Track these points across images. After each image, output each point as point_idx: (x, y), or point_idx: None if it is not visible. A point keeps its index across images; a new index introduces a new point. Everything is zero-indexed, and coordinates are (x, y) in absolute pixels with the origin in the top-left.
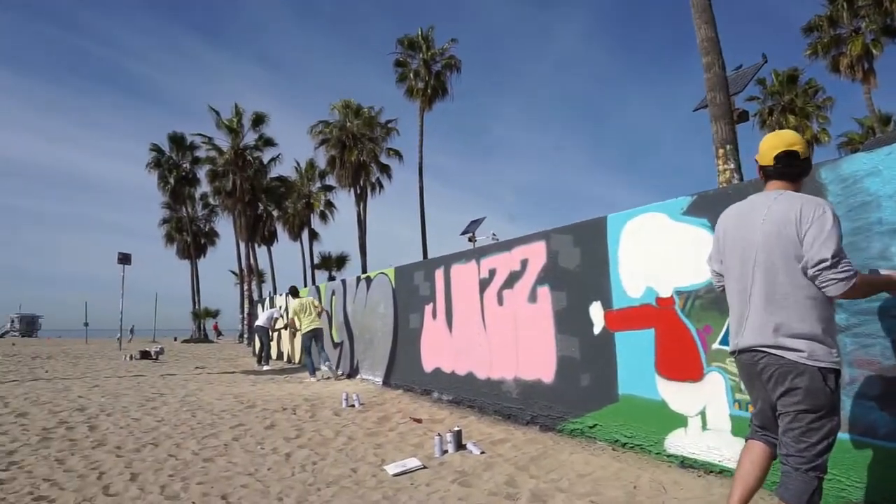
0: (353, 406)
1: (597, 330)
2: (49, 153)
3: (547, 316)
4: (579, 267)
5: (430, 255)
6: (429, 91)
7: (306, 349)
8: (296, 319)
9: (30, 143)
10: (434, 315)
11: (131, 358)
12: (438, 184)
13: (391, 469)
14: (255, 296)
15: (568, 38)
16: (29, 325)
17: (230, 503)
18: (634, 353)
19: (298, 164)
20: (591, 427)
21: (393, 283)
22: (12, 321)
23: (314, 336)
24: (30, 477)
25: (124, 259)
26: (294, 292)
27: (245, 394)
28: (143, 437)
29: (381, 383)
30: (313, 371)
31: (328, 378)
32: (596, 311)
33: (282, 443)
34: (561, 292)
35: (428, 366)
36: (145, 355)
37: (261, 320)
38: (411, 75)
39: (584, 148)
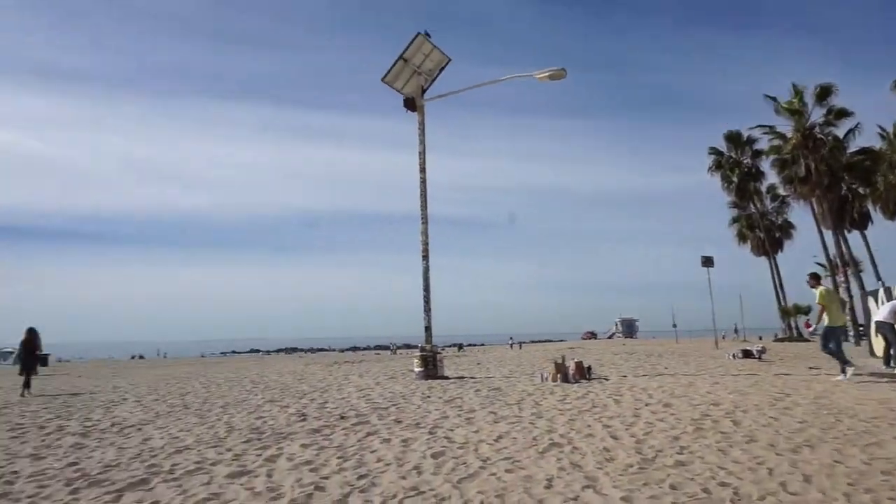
0: None
1: None
2: (620, 180)
3: None
4: None
5: None
6: None
7: (838, 343)
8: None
9: (619, 175)
10: None
11: (734, 357)
12: None
13: None
14: (855, 288)
15: None
16: (629, 328)
17: None
18: None
19: (883, 129)
20: None
21: None
22: (616, 324)
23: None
24: (703, 462)
25: (707, 262)
26: (817, 278)
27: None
28: (792, 437)
29: None
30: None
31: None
32: None
33: None
34: None
35: None
36: (747, 354)
37: (883, 314)
38: None
39: None
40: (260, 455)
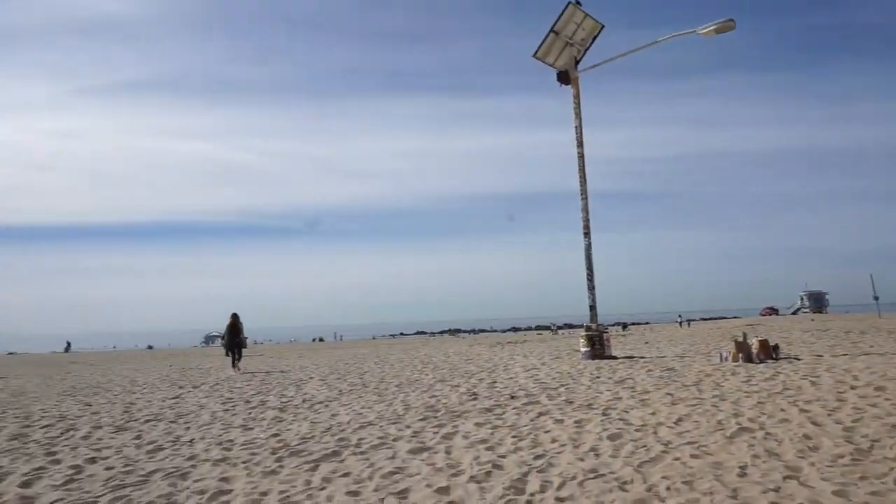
0: None
1: None
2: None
3: None
4: None
5: None
6: None
7: None
8: None
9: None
10: None
11: None
12: None
13: None
14: None
15: None
16: (817, 301)
17: None
18: None
19: None
20: None
21: None
22: (802, 298)
23: None
24: None
25: None
26: None
27: None
28: None
29: None
30: None
31: None
32: None
33: None
34: None
35: None
36: None
37: None
38: None
39: None
40: (437, 432)
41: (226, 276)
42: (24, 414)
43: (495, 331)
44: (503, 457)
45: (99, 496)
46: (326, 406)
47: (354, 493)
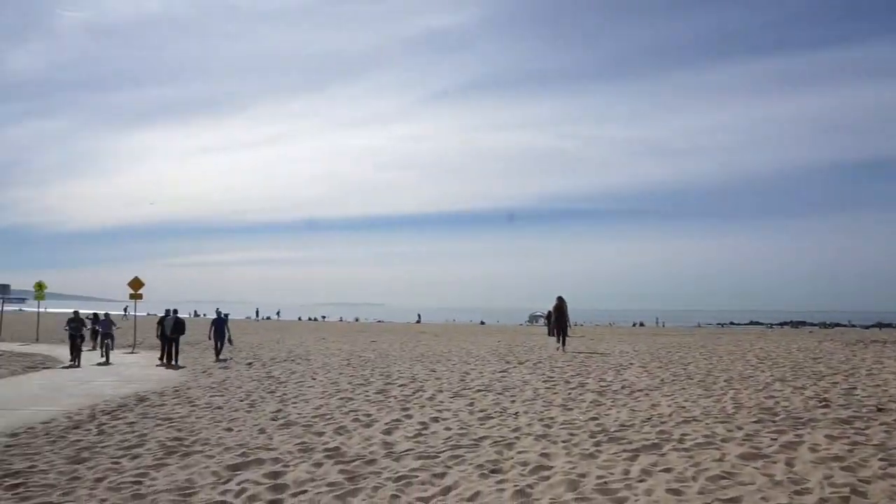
0: None
1: None
2: None
3: None
4: None
5: None
6: None
7: None
8: None
9: None
10: None
11: None
12: None
13: None
14: None
15: None
16: None
17: None
18: None
19: None
20: None
21: None
22: None
23: None
24: None
25: None
26: None
27: None
28: None
29: None
30: None
31: None
32: None
33: None
34: None
35: None
36: None
37: None
38: None
39: None
40: (775, 439)
41: (544, 257)
42: (386, 373)
43: (854, 326)
44: (867, 482)
45: (440, 451)
46: (647, 395)
47: (676, 493)
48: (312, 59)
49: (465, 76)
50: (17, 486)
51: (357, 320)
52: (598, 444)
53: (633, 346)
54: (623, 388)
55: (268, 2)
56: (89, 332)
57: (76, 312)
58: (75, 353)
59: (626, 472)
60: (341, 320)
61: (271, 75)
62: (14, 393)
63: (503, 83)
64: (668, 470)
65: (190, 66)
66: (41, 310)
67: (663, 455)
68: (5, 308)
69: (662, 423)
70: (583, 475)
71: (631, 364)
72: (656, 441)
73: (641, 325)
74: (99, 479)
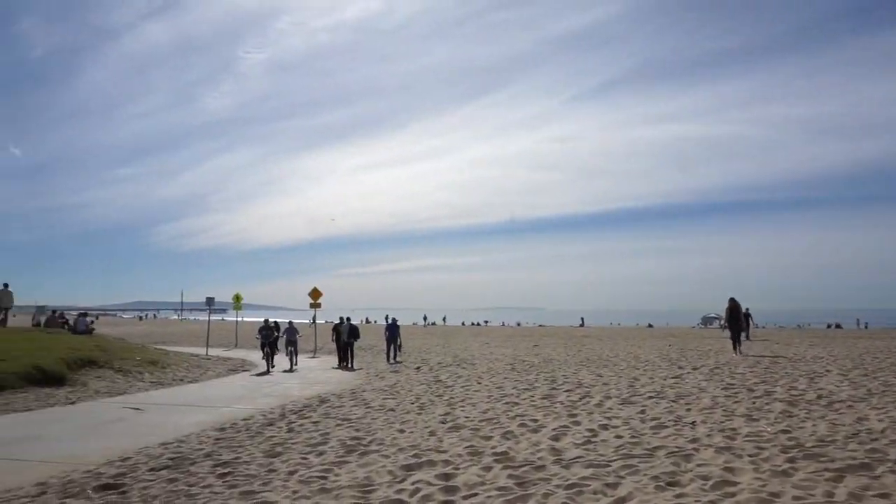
0: None
1: None
2: None
3: None
4: None
5: None
6: None
7: None
8: None
9: None
10: None
11: None
12: None
13: None
14: None
15: None
16: None
17: None
18: None
19: None
20: None
21: None
22: None
23: None
24: None
25: None
26: None
27: None
28: None
29: None
30: None
31: None
32: None
33: None
34: None
35: None
36: None
37: None
38: None
39: None
40: None
41: (712, 255)
42: (551, 378)
43: None
44: None
45: (612, 460)
46: (850, 406)
47: None
48: (464, 72)
49: (612, 71)
50: (226, 474)
51: (519, 325)
52: (791, 459)
53: (828, 351)
54: (819, 398)
55: (420, 22)
56: (283, 341)
57: (266, 321)
58: (268, 359)
59: (830, 494)
60: (503, 325)
61: (427, 91)
62: (221, 393)
63: (654, 75)
64: (884, 496)
65: (356, 90)
66: (239, 319)
67: (877, 477)
68: (211, 318)
69: (873, 440)
70: (775, 494)
71: (827, 371)
72: (866, 461)
73: (838, 326)
74: (291, 472)
